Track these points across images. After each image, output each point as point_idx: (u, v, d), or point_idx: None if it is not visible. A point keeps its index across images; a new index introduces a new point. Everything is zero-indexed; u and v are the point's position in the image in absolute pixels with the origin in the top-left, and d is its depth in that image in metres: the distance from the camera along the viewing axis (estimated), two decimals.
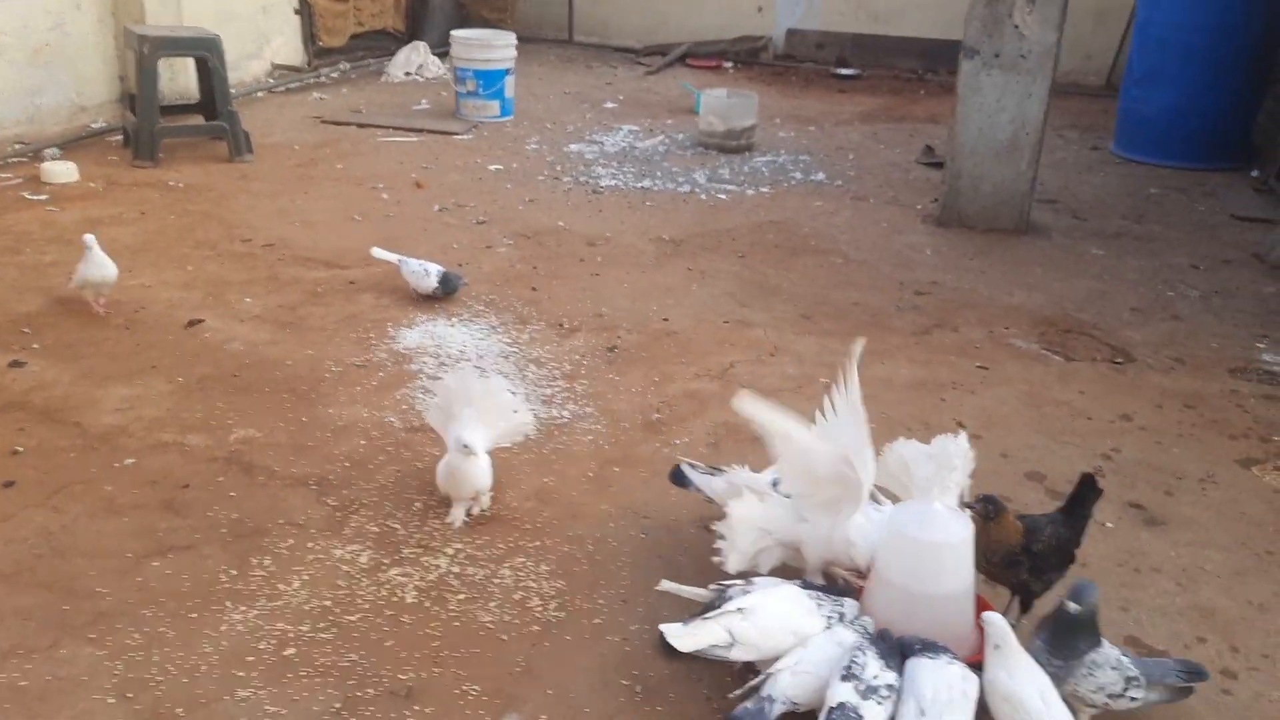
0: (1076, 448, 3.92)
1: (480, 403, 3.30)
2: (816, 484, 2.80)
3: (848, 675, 2.28)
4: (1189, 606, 3.05)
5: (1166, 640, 2.90)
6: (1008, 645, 2.35)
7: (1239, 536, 3.40)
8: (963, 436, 3.07)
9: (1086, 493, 2.79)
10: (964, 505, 2.82)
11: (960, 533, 2.58)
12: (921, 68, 11.05)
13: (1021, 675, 2.33)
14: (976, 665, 2.42)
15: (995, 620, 2.36)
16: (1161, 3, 7.83)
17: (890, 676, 2.31)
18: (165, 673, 2.62)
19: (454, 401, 3.34)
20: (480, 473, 3.24)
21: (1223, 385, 4.46)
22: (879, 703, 2.25)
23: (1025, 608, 2.79)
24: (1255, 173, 7.59)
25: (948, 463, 3.03)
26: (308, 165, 7.20)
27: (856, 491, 2.73)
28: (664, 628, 2.45)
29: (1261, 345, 4.86)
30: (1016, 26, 5.96)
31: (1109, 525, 3.39)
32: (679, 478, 3.27)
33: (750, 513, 2.86)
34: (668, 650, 2.59)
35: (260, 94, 9.14)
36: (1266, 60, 7.66)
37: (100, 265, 4.62)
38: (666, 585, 2.84)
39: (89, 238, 4.61)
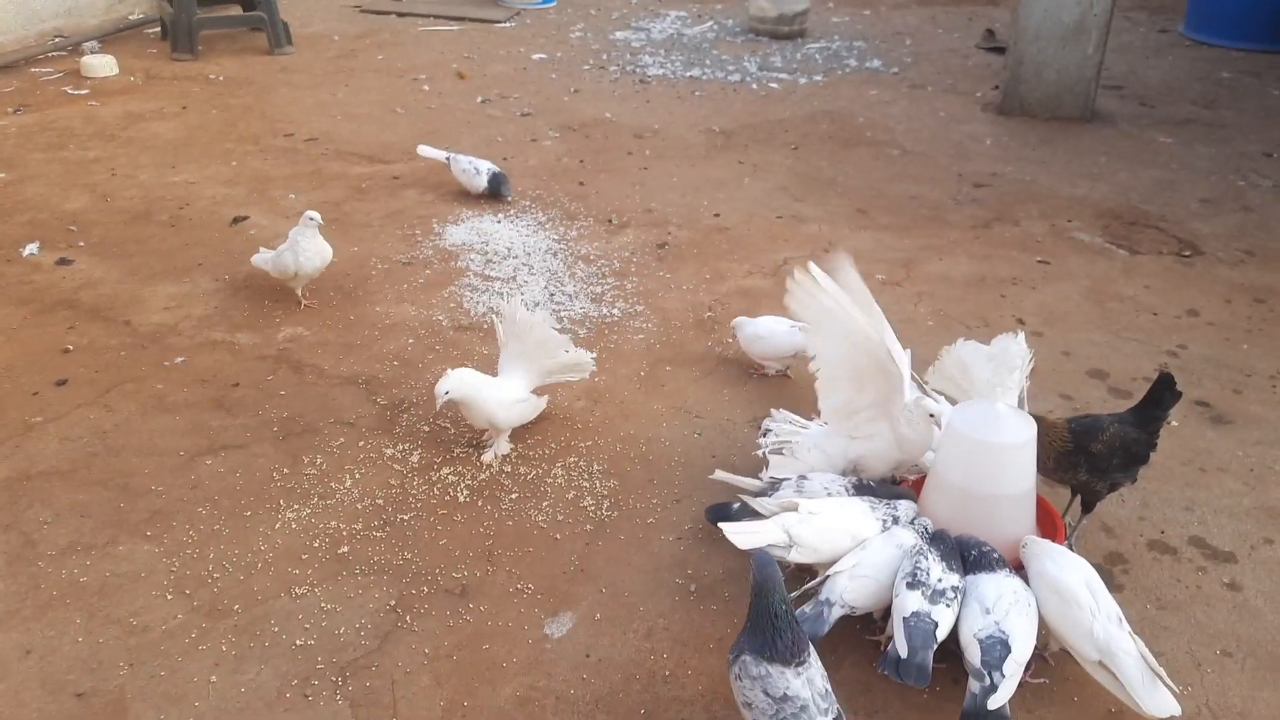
0: (1141, 344, 3.79)
1: (524, 336, 3.14)
2: (859, 382, 2.71)
3: (914, 582, 2.24)
4: (1256, 507, 2.96)
5: (1233, 541, 2.82)
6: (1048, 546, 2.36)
7: None
8: (1022, 336, 2.96)
9: (1161, 393, 2.66)
10: None
11: (1023, 433, 2.50)
12: None
13: (1067, 565, 2.29)
14: None
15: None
16: None
17: (953, 578, 2.27)
18: (221, 570, 2.65)
19: (502, 329, 3.20)
20: (488, 406, 3.03)
21: None
22: (947, 605, 2.23)
23: (1087, 508, 2.72)
24: None
25: (1008, 363, 2.93)
26: (348, 56, 7.05)
27: (898, 383, 2.64)
28: (723, 525, 2.41)
29: None
30: None
31: (1174, 423, 3.29)
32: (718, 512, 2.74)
33: (787, 465, 2.80)
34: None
35: None
36: None
37: (321, 252, 3.85)
38: (720, 475, 2.81)
39: (313, 215, 3.78)
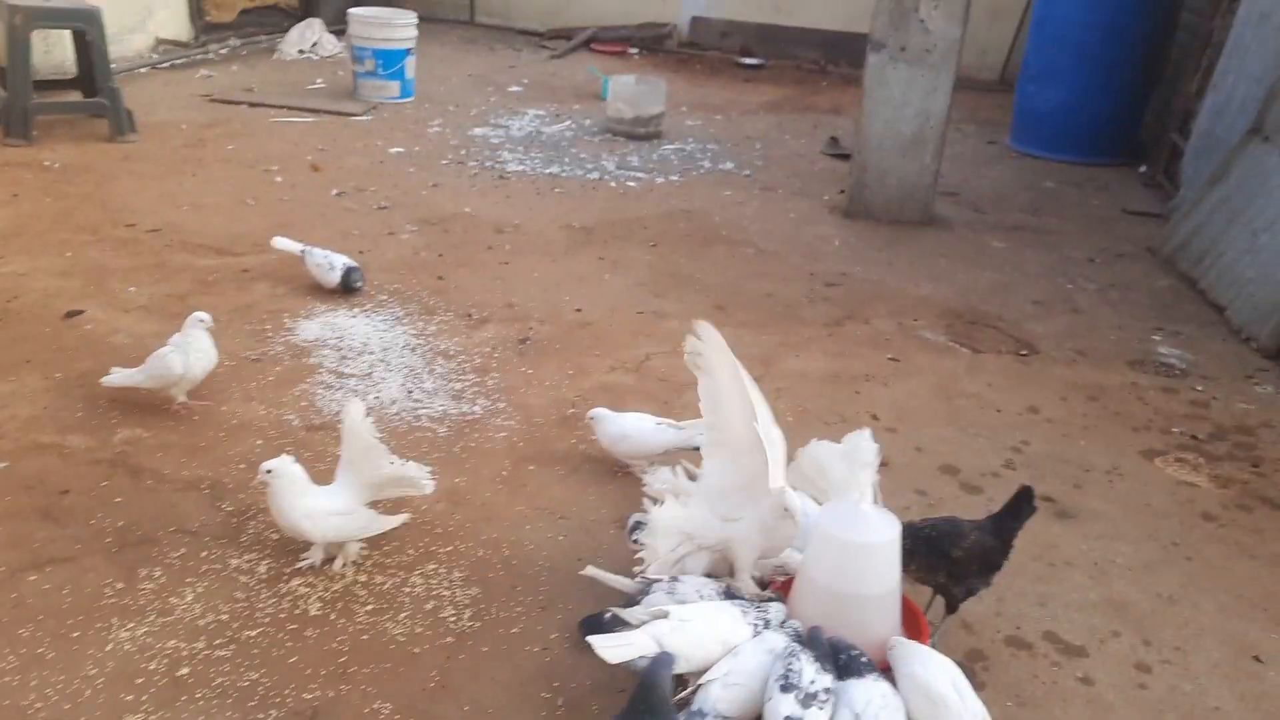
0: (988, 440, 3.95)
1: (351, 443, 2.93)
2: (737, 454, 2.72)
3: (787, 685, 2.23)
4: (1102, 600, 3.09)
5: (1083, 635, 2.92)
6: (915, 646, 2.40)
7: (1146, 529, 3.46)
8: (869, 432, 3.03)
9: (1021, 505, 2.79)
10: None
11: (887, 533, 2.54)
12: (824, 59, 11.11)
13: (934, 667, 2.32)
14: None
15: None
16: (1059, 0, 7.99)
17: (826, 680, 2.26)
18: (44, 698, 2.42)
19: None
20: (291, 509, 2.82)
21: (1123, 378, 4.56)
22: (820, 708, 2.21)
23: (950, 609, 2.78)
24: (1143, 168, 7.83)
25: (860, 460, 2.99)
26: (196, 146, 6.85)
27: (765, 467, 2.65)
28: (591, 639, 2.35)
29: (1157, 338, 4.99)
30: (923, 21, 5.99)
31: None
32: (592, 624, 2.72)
33: (672, 516, 2.76)
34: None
35: (144, 70, 8.68)
36: (1155, 59, 7.90)
37: (207, 353, 3.67)
38: (592, 571, 2.76)
39: (203, 317, 3.66)
